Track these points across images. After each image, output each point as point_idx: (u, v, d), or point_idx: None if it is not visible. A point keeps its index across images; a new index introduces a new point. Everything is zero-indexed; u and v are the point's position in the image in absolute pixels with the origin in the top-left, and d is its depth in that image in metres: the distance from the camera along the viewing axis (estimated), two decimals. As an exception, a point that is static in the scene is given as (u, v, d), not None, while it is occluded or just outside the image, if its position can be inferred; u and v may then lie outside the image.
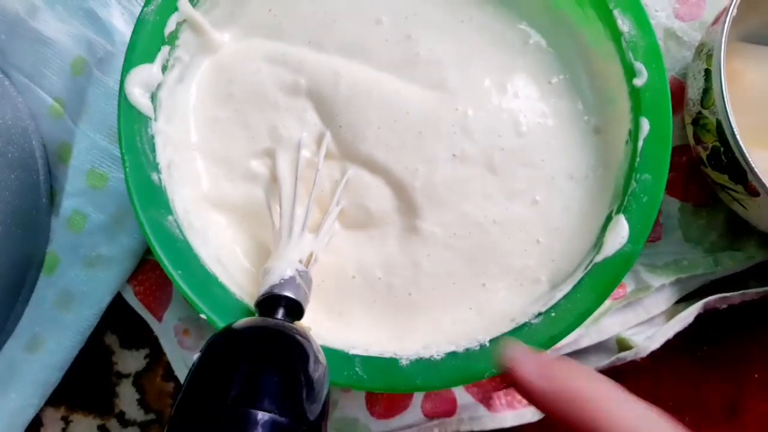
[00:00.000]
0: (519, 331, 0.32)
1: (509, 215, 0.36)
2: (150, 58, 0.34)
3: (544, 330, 0.32)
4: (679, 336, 0.39)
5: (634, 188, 0.33)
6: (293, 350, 0.26)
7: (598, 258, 0.33)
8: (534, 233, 0.36)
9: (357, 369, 0.32)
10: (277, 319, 0.29)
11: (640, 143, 0.34)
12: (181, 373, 0.40)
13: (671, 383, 0.41)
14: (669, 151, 0.34)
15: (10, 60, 0.42)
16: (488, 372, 0.32)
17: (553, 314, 0.32)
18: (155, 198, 0.33)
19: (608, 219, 0.35)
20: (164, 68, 0.35)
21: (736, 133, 0.35)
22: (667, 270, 0.40)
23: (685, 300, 0.41)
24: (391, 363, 0.32)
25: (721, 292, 0.40)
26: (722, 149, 0.37)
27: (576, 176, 0.37)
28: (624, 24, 0.35)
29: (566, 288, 0.33)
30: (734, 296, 0.39)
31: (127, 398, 0.42)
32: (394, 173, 0.37)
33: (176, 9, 0.34)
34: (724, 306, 0.40)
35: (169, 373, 0.41)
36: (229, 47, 0.38)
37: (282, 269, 0.31)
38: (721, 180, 0.38)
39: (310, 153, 0.37)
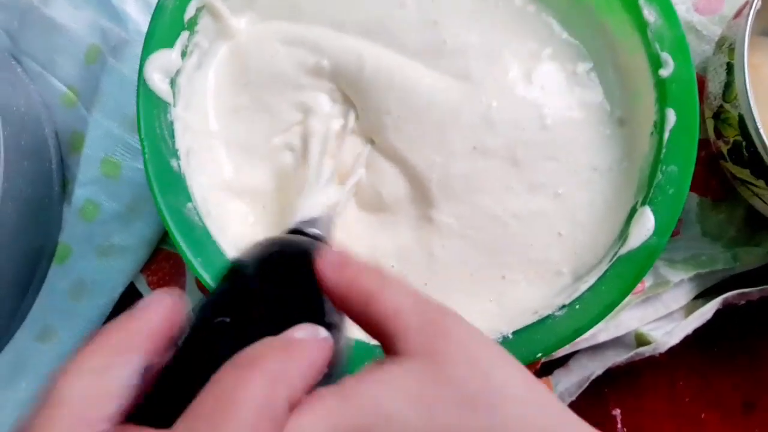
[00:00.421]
0: (542, 323, 0.32)
1: (530, 208, 0.36)
2: (170, 44, 0.33)
3: (569, 322, 0.32)
4: (696, 331, 0.39)
5: (660, 180, 0.33)
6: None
7: (623, 250, 0.33)
8: (556, 226, 0.36)
9: None
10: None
11: (666, 134, 0.33)
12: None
13: (688, 378, 0.41)
14: (696, 142, 0.33)
15: (23, 48, 0.42)
16: None
17: (577, 306, 0.32)
18: (174, 185, 0.32)
19: (633, 211, 0.34)
20: (183, 54, 0.34)
21: (759, 127, 0.35)
22: (686, 265, 0.40)
23: (703, 295, 0.40)
24: None
25: (739, 288, 0.39)
26: (744, 143, 0.37)
27: (600, 169, 0.36)
28: (650, 14, 0.34)
29: (591, 280, 0.33)
30: (753, 292, 0.39)
31: (138, 389, 0.41)
32: (410, 163, 0.36)
33: None
34: (743, 302, 0.39)
35: (181, 365, 0.40)
36: (246, 33, 0.37)
37: (310, 207, 0.30)
38: (742, 175, 0.38)
39: (338, 126, 0.36)
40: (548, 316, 0.32)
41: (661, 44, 0.34)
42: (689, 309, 0.39)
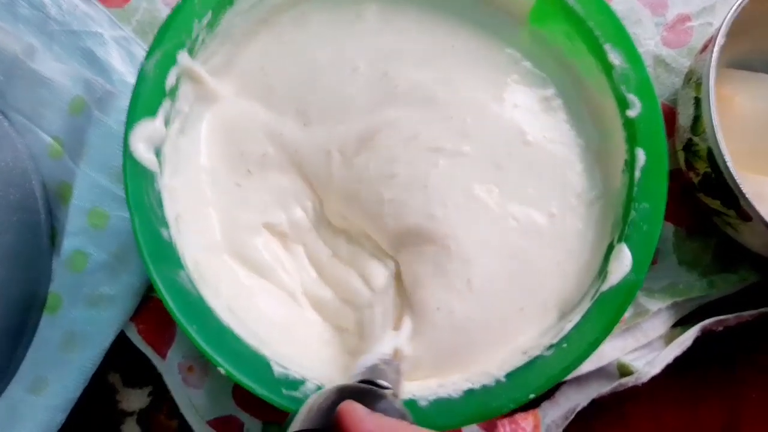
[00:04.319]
0: (533, 364, 0.33)
1: (526, 215, 0.36)
2: (152, 113, 0.33)
3: (557, 361, 0.32)
4: (677, 358, 0.40)
5: (634, 217, 0.34)
6: None
7: (604, 287, 0.33)
8: (554, 249, 0.36)
9: None
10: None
11: (637, 173, 0.35)
12: (186, 410, 0.40)
13: (670, 405, 0.42)
14: (666, 182, 0.34)
15: (9, 101, 0.42)
16: (506, 407, 0.32)
17: (564, 345, 0.33)
18: (166, 253, 0.33)
19: (610, 248, 0.35)
20: (166, 123, 0.34)
21: (727, 160, 0.36)
22: (664, 294, 0.41)
23: (681, 323, 0.41)
24: (410, 405, 0.32)
25: (716, 314, 0.40)
26: (714, 175, 0.38)
27: (583, 197, 0.37)
28: (615, 58, 0.36)
29: (575, 318, 0.33)
30: (730, 318, 0.40)
31: (131, 436, 0.42)
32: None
33: (176, 62, 0.34)
34: (721, 328, 0.40)
35: (174, 411, 0.41)
36: (231, 108, 0.38)
37: (365, 360, 0.31)
38: (714, 205, 0.39)
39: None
40: (537, 357, 0.33)
41: (627, 86, 0.35)
42: (669, 337, 0.40)
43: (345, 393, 0.27)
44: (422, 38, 0.39)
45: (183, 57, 0.34)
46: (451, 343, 0.35)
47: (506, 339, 0.35)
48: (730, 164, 0.36)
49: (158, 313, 0.41)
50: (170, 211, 0.34)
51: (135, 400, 0.42)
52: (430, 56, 0.38)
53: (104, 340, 0.40)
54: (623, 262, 0.34)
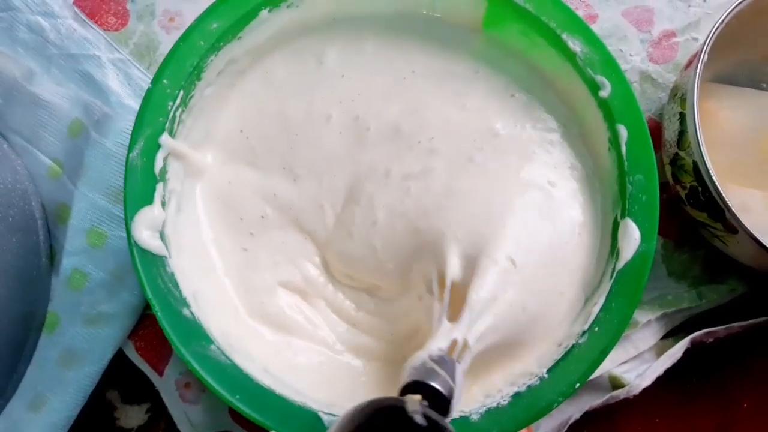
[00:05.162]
0: (571, 354, 0.33)
1: (527, 187, 0.36)
2: (149, 200, 0.34)
3: (593, 346, 0.33)
4: (667, 370, 0.40)
5: (631, 191, 0.35)
6: None
7: (620, 265, 0.34)
8: (568, 214, 0.36)
9: None
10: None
11: (624, 148, 0.35)
12: (183, 426, 0.41)
13: (661, 416, 0.42)
14: (652, 150, 0.35)
15: (9, 123, 0.43)
16: (555, 403, 0.32)
17: (596, 329, 0.33)
18: (192, 332, 0.33)
19: (615, 226, 0.36)
20: (163, 204, 0.35)
21: (712, 174, 0.37)
22: (653, 305, 0.42)
23: (671, 334, 0.42)
24: (462, 422, 0.32)
25: (705, 326, 0.41)
26: (700, 189, 0.38)
27: (576, 171, 0.38)
28: (575, 45, 0.36)
29: (600, 301, 0.34)
30: (720, 330, 0.41)
31: (129, 453, 0.42)
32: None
33: (159, 146, 0.34)
34: (710, 340, 0.41)
35: (171, 427, 0.41)
36: (220, 176, 0.38)
37: (413, 360, 0.30)
38: (701, 218, 0.40)
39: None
40: (573, 346, 0.33)
41: (593, 69, 0.36)
42: (659, 349, 0.41)
43: (361, 412, 0.26)
44: (384, 71, 0.39)
45: (165, 139, 0.35)
46: (505, 334, 0.34)
47: (550, 331, 0.35)
48: (715, 178, 0.37)
49: (156, 330, 0.42)
50: (186, 289, 0.34)
51: (133, 416, 0.42)
52: (394, 88, 0.39)
53: (102, 357, 0.40)
54: (632, 236, 0.34)
